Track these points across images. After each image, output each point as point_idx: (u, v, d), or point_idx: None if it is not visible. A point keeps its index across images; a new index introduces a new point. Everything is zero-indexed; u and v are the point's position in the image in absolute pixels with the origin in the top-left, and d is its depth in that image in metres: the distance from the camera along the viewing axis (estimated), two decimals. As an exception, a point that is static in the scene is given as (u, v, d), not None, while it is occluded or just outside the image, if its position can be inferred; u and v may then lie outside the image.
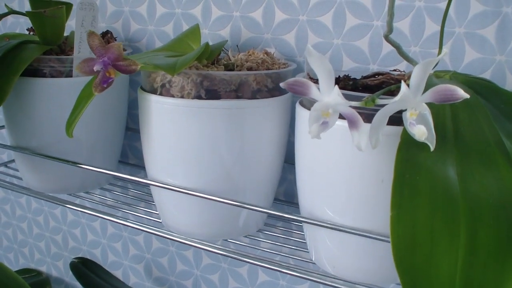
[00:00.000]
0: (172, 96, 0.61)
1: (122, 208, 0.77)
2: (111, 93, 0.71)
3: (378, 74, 0.62)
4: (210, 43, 0.66)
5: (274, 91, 0.63)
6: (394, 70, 0.62)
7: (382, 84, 0.59)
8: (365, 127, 0.44)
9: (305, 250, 0.64)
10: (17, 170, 0.81)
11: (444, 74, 0.57)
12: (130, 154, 0.92)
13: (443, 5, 0.64)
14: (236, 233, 0.67)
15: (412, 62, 0.58)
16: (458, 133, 0.48)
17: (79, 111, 0.60)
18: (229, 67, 0.63)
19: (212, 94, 0.60)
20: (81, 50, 0.71)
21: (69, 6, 0.79)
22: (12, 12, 0.75)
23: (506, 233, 0.40)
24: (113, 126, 0.78)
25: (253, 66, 0.63)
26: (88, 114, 0.70)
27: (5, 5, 0.75)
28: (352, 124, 0.44)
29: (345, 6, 0.69)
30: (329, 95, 0.45)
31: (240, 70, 0.63)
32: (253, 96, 0.61)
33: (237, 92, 0.60)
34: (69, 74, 0.71)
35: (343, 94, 0.44)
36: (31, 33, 0.82)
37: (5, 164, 0.85)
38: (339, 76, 0.61)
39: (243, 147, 0.62)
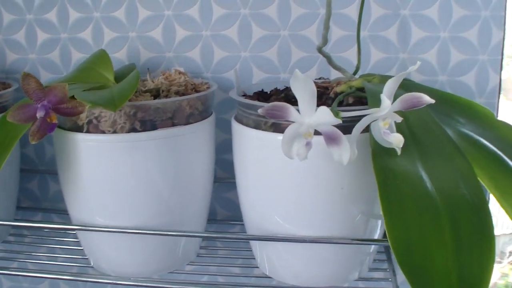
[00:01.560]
0: (103, 132, 0.56)
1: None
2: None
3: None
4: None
5: (203, 113, 0.61)
6: (319, 78, 0.64)
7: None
8: (346, 142, 0.45)
9: (255, 266, 0.63)
10: None
11: (372, 78, 0.60)
12: (22, 197, 0.83)
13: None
14: (178, 264, 0.64)
15: (342, 71, 0.60)
16: (414, 135, 0.51)
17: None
18: (153, 93, 0.60)
19: (147, 125, 0.56)
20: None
21: None
22: None
23: (477, 217, 0.44)
24: (8, 170, 0.70)
25: (180, 90, 0.60)
26: None
27: None
28: (333, 140, 0.45)
29: (250, 18, 0.69)
30: (310, 116, 0.45)
31: (167, 95, 0.60)
32: (187, 121, 0.58)
33: (173, 119, 0.57)
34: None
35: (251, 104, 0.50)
36: None
37: None
38: (262, 90, 0.62)
39: (179, 174, 0.59)
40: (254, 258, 0.69)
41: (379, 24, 0.68)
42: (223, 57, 0.71)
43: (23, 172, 0.79)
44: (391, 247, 0.42)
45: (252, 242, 0.62)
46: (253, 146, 0.56)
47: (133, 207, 0.58)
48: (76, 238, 0.75)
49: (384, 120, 0.46)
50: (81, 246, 0.73)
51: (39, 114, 0.47)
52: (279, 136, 0.51)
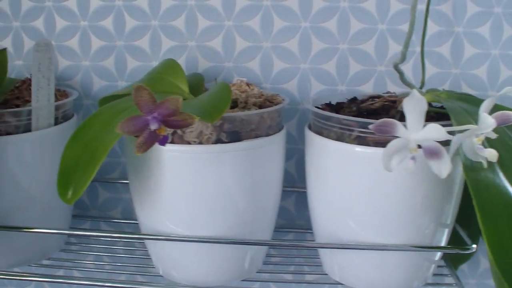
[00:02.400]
0: (188, 143, 0.56)
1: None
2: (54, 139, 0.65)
3: (373, 97, 0.65)
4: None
5: (279, 125, 0.62)
6: (387, 93, 0.66)
7: (383, 108, 0.62)
8: (447, 156, 0.47)
9: (321, 273, 0.65)
10: None
11: (439, 93, 0.62)
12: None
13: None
14: (247, 273, 0.65)
15: (412, 87, 0.62)
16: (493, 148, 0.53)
17: (90, 171, 0.53)
18: (231, 105, 0.61)
19: (233, 136, 0.57)
20: (39, 99, 0.62)
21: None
22: None
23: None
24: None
25: (258, 102, 0.61)
26: (35, 167, 0.63)
27: None
28: (434, 155, 0.47)
29: (310, 31, 0.71)
30: (417, 132, 0.47)
31: (244, 107, 0.61)
32: (267, 133, 0.59)
33: (256, 131, 0.58)
34: (27, 128, 0.62)
35: (353, 120, 0.54)
36: None
37: None
38: (330, 102, 0.64)
39: (256, 185, 0.60)
40: (306, 265, 0.71)
41: (434, 40, 0.71)
42: (282, 69, 0.72)
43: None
44: (489, 251, 0.44)
45: (322, 250, 0.64)
46: (335, 158, 0.58)
47: (210, 217, 0.58)
48: (126, 246, 0.75)
49: (477, 136, 0.48)
50: (130, 255, 0.74)
51: (153, 126, 0.47)
52: (364, 149, 0.54)
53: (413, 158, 0.47)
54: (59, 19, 0.74)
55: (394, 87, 0.71)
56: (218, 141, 0.56)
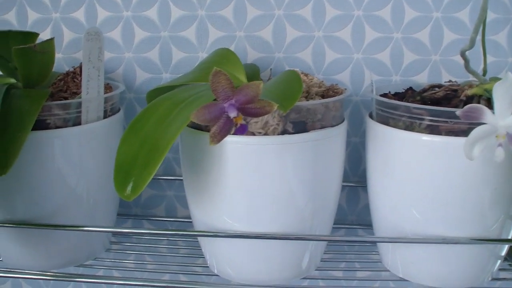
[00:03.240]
0: (252, 133, 0.54)
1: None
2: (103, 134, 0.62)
3: (434, 86, 0.63)
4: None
5: (342, 116, 0.60)
6: (448, 81, 0.64)
7: (446, 97, 0.60)
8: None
9: (383, 270, 0.63)
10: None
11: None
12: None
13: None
14: (306, 271, 0.63)
15: (475, 75, 0.60)
16: None
17: (152, 167, 0.50)
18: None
19: (299, 127, 0.55)
20: (89, 91, 0.59)
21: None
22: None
23: None
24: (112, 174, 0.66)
25: (320, 92, 0.59)
26: (83, 163, 0.60)
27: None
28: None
29: (363, 20, 0.68)
30: (505, 118, 0.45)
31: (307, 97, 0.59)
32: (331, 124, 0.57)
33: (321, 121, 0.56)
34: (76, 122, 0.59)
35: (424, 109, 0.52)
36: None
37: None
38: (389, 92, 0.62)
39: (320, 178, 0.58)
40: (357, 261, 0.69)
41: (491, 28, 0.69)
42: (335, 59, 0.69)
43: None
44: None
45: (383, 245, 0.62)
46: (403, 148, 0.55)
47: (270, 213, 0.56)
48: (170, 245, 0.73)
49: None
50: (174, 253, 0.71)
51: (232, 114, 0.45)
52: (435, 138, 0.52)
53: (500, 145, 0.46)
54: (101, 9, 0.71)
55: (449, 77, 0.69)
56: (284, 131, 0.54)
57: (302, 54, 0.69)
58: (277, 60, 0.70)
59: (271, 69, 0.68)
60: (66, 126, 0.58)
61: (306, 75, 0.63)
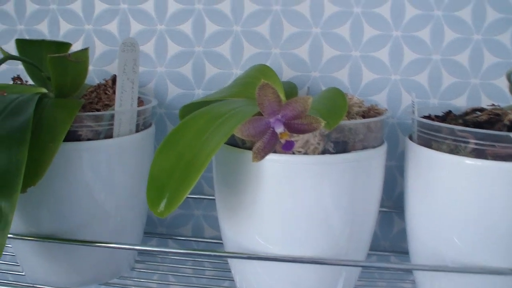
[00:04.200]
0: (292, 153, 0.52)
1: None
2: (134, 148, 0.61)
3: (475, 110, 0.61)
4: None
5: (382, 137, 0.58)
6: (491, 105, 0.62)
7: (489, 121, 0.58)
8: None
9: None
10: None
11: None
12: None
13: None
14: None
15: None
16: None
17: (187, 184, 0.48)
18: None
19: (340, 146, 0.53)
20: (123, 103, 0.58)
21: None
22: (9, 57, 0.58)
23: None
24: (141, 190, 0.64)
25: (360, 111, 0.57)
26: (112, 177, 0.59)
27: (0, 49, 0.58)
28: None
29: (401, 40, 0.67)
30: None
31: (348, 116, 0.57)
32: (372, 145, 0.55)
33: (362, 142, 0.54)
34: (107, 135, 0.58)
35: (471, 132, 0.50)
36: (17, 82, 0.64)
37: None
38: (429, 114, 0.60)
39: (359, 200, 0.56)
40: None
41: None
42: (372, 79, 0.68)
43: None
44: None
45: (420, 272, 0.59)
46: (446, 172, 0.53)
47: (306, 235, 0.54)
48: (195, 266, 0.71)
49: None
50: (199, 275, 0.69)
51: (279, 130, 0.43)
52: (481, 162, 0.50)
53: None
54: (135, 22, 0.70)
55: (487, 101, 0.67)
56: (325, 151, 0.52)
57: (338, 74, 0.68)
58: (313, 79, 0.68)
59: (308, 87, 0.67)
60: (97, 139, 0.57)
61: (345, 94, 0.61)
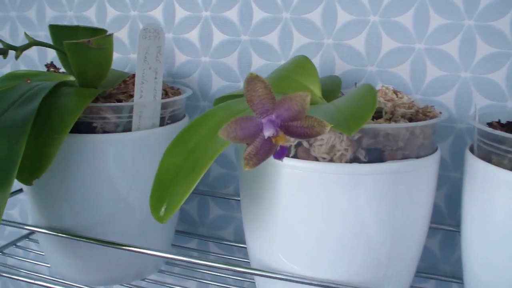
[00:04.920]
0: (315, 159, 0.45)
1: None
2: (158, 143, 0.55)
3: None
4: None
5: (432, 145, 0.49)
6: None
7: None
8: None
9: None
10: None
11: None
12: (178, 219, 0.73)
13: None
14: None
15: None
16: None
17: (188, 185, 0.42)
18: (374, 115, 0.48)
19: (374, 155, 0.44)
20: (143, 94, 0.53)
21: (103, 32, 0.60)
22: (35, 43, 0.55)
23: None
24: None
25: (407, 114, 0.48)
26: (135, 172, 0.55)
27: (25, 34, 0.55)
28: None
29: (474, 31, 0.57)
30: None
31: (391, 119, 0.48)
32: (417, 154, 0.46)
33: (403, 150, 0.45)
34: (127, 128, 0.53)
35: None
36: (51, 69, 0.62)
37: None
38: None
39: (400, 220, 0.47)
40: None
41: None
42: (437, 77, 0.58)
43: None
44: None
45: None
46: (505, 191, 0.44)
47: (335, 256, 0.47)
48: (235, 275, 0.65)
49: None
50: (239, 286, 0.63)
51: (267, 133, 0.36)
52: None
53: None
54: (179, 8, 0.65)
55: (480, 98, 0.55)
56: (354, 159, 0.44)
57: (398, 69, 0.59)
58: (369, 74, 0.60)
59: (356, 83, 0.58)
60: (115, 131, 0.52)
61: (396, 93, 0.53)
